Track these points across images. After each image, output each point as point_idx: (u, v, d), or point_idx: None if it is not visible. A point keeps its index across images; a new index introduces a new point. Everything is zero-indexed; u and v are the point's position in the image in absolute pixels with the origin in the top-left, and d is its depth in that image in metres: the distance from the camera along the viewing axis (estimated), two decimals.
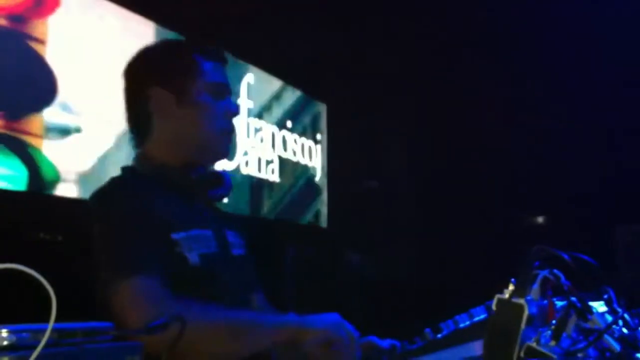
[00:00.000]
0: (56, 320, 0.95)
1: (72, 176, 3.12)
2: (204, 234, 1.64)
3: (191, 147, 1.69)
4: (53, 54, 3.04)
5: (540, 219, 5.46)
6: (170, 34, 3.67)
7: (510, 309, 1.05)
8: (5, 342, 0.79)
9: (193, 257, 1.57)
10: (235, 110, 1.75)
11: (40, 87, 3.00)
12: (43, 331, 0.81)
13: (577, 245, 1.18)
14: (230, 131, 1.74)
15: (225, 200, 1.94)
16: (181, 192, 1.66)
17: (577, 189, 4.84)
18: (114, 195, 1.63)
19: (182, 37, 3.55)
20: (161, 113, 1.68)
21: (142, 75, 1.71)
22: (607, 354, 1.06)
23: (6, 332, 0.80)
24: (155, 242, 1.54)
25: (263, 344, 1.51)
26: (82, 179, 3.17)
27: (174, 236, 1.57)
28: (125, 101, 1.72)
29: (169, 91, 1.66)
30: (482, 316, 1.42)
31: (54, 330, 0.87)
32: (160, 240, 1.54)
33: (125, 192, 1.63)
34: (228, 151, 1.77)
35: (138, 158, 1.72)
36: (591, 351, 1.05)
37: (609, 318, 1.09)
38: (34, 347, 0.79)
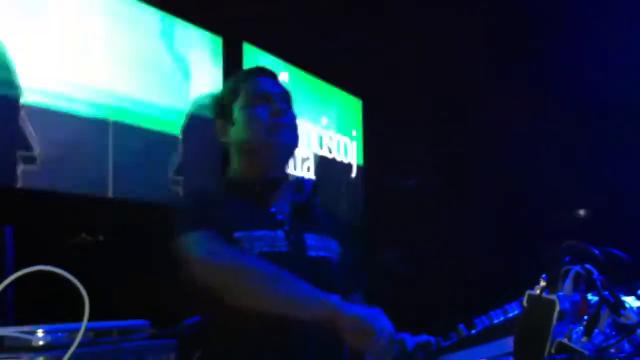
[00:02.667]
0: (97, 320, 0.98)
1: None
2: (272, 234, 1.77)
3: (250, 152, 1.88)
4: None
5: (578, 213, 5.39)
6: (209, 35, 3.70)
7: (541, 305, 1.04)
8: (41, 342, 0.82)
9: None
10: (279, 109, 1.88)
11: None
12: (78, 331, 0.83)
13: (615, 240, 1.17)
14: (278, 125, 1.86)
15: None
16: (255, 198, 1.83)
17: (614, 183, 4.76)
18: (196, 190, 1.93)
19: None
20: (225, 137, 1.91)
21: (210, 114, 2.00)
22: None
23: (42, 332, 0.82)
24: (221, 219, 1.72)
25: (298, 309, 1.59)
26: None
27: (236, 235, 1.71)
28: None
29: (222, 119, 1.92)
30: (516, 312, 1.41)
31: (89, 329, 0.90)
32: (222, 228, 1.70)
33: (205, 191, 1.89)
34: (286, 143, 1.90)
35: (227, 176, 1.94)
36: (626, 346, 1.04)
37: None
38: (70, 347, 0.81)
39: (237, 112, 1.90)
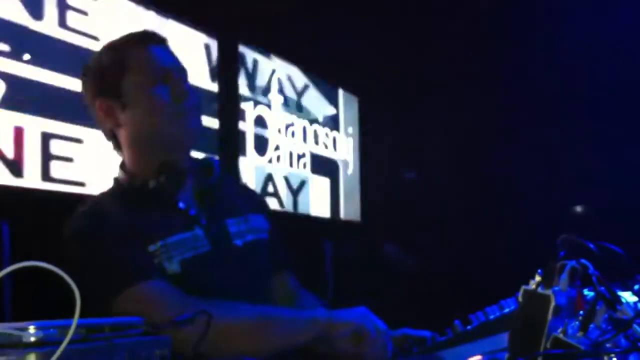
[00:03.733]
0: (92, 317, 0.97)
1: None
2: (190, 235, 1.57)
3: (152, 146, 1.61)
4: None
5: (578, 209, 5.39)
6: (203, 34, 3.69)
7: (536, 300, 1.04)
8: (32, 339, 0.81)
9: (173, 266, 1.52)
10: (182, 90, 1.61)
11: None
12: (70, 327, 0.82)
13: (611, 235, 1.16)
14: (184, 110, 1.61)
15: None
16: (158, 198, 1.58)
17: (610, 177, 4.76)
18: (90, 222, 1.56)
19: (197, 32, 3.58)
20: (114, 122, 1.62)
21: (86, 92, 1.66)
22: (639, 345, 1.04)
23: (33, 328, 0.82)
24: (140, 250, 1.50)
25: (293, 340, 1.52)
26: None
27: (152, 248, 1.51)
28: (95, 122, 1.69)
29: (108, 98, 1.60)
30: (512, 308, 1.41)
31: (81, 325, 0.89)
32: (142, 250, 1.50)
33: (98, 216, 1.56)
34: (193, 129, 1.65)
35: (119, 170, 1.68)
36: (622, 341, 1.03)
37: None
38: (61, 343, 0.80)
39: (131, 92, 1.58)
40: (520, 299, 1.07)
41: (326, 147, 4.93)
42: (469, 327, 1.45)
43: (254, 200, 1.84)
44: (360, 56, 4.78)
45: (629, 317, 1.02)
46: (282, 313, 1.57)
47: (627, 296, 1.09)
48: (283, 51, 4.33)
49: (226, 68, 3.81)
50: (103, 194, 1.66)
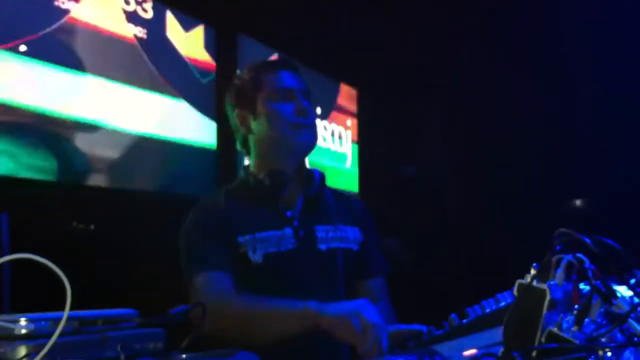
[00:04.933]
0: (88, 309, 0.96)
1: (102, 166, 3.16)
2: (279, 233, 1.81)
3: (271, 148, 1.90)
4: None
5: (575, 203, 5.39)
6: (196, 25, 3.68)
7: (532, 294, 1.03)
8: (23, 331, 0.81)
9: (256, 257, 1.76)
10: (303, 107, 1.90)
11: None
12: (61, 320, 0.82)
13: (607, 229, 1.16)
14: (302, 124, 1.89)
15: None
16: (262, 196, 1.84)
17: (616, 172, 4.76)
18: (198, 206, 1.89)
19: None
20: (246, 129, 1.93)
21: (228, 103, 2.00)
22: (635, 339, 1.04)
23: (24, 320, 0.81)
24: (224, 243, 1.76)
25: (282, 330, 1.61)
26: (113, 168, 3.20)
27: (240, 239, 1.77)
28: (233, 130, 2.00)
29: (244, 109, 1.92)
30: (508, 301, 1.41)
31: (74, 318, 0.88)
32: (224, 241, 1.76)
33: (203, 206, 1.88)
34: (306, 141, 1.93)
35: (243, 170, 1.97)
36: (618, 336, 1.03)
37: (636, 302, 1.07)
38: (53, 336, 0.80)
39: (262, 105, 1.90)
40: (515, 292, 1.06)
41: (324, 139, 4.93)
42: (465, 320, 1.44)
43: (351, 214, 2.01)
44: (359, 48, 4.77)
45: (624, 312, 1.01)
46: (270, 305, 1.65)
47: (623, 290, 1.09)
48: (281, 43, 4.32)
49: (224, 59, 3.80)
50: (227, 189, 1.95)
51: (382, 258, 2.06)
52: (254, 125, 1.91)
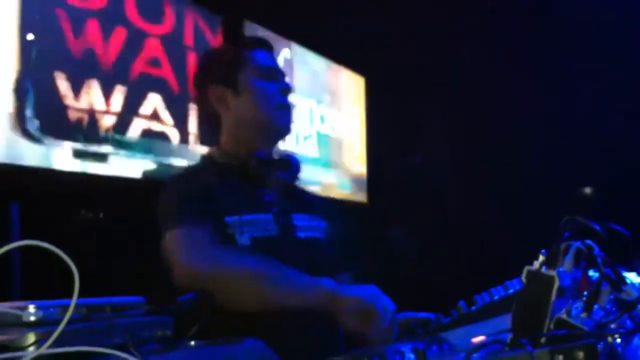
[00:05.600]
0: (97, 296, 0.96)
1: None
2: (262, 218, 1.73)
3: (253, 129, 1.81)
4: None
5: (584, 190, 5.37)
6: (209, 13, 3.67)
7: (540, 281, 1.02)
8: (32, 318, 0.81)
9: (243, 239, 1.68)
10: (287, 87, 1.85)
11: None
12: (70, 307, 0.82)
13: (616, 216, 1.15)
14: (286, 105, 1.84)
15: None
16: (244, 178, 1.77)
17: (622, 159, 4.74)
18: (179, 179, 1.84)
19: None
20: (223, 107, 1.83)
21: (200, 78, 1.90)
22: None
23: (33, 307, 0.81)
24: (212, 215, 1.66)
25: (293, 299, 1.55)
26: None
27: (227, 219, 1.68)
28: (196, 107, 1.93)
29: (224, 85, 1.82)
30: (517, 288, 1.40)
31: (82, 305, 0.88)
32: (216, 216, 1.66)
33: (188, 177, 1.82)
34: (288, 125, 1.87)
35: (212, 150, 1.87)
36: (627, 322, 1.02)
37: None
38: (61, 322, 0.80)
39: (246, 83, 1.82)
40: (524, 279, 1.05)
41: (333, 128, 4.92)
42: (473, 307, 1.44)
43: (318, 203, 1.97)
44: (367, 36, 4.75)
45: (633, 298, 1.01)
46: (291, 273, 1.58)
47: (632, 277, 1.09)
48: (289, 31, 4.31)
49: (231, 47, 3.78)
50: (195, 166, 1.89)
51: (352, 253, 1.99)
52: (233, 103, 1.82)
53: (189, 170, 1.90)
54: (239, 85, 1.82)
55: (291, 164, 1.86)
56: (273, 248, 1.69)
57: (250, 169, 1.77)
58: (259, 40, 1.94)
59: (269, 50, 1.91)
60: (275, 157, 1.87)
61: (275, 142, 1.89)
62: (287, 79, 1.90)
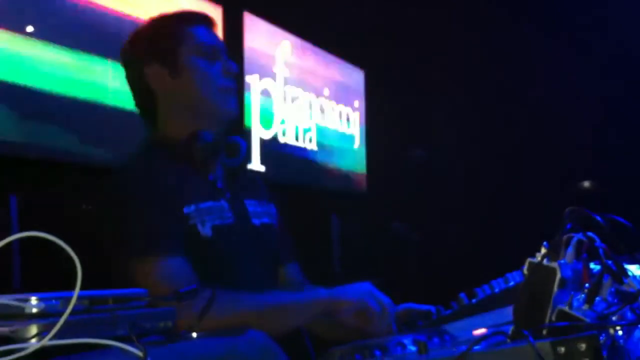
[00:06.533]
0: (98, 289, 0.96)
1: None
2: (218, 205, 1.64)
3: (194, 113, 1.68)
4: None
5: (586, 182, 5.37)
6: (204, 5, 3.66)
7: (542, 273, 1.03)
8: (34, 310, 0.81)
9: (205, 230, 1.58)
10: (232, 69, 1.72)
11: None
12: (72, 299, 0.82)
13: (618, 208, 1.15)
14: (231, 88, 1.72)
15: (262, 168, 1.91)
16: (191, 164, 1.65)
17: (619, 151, 4.74)
18: (128, 175, 1.68)
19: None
20: (160, 87, 1.68)
21: (134, 56, 1.73)
22: None
23: (35, 299, 0.81)
24: (173, 217, 1.56)
25: (296, 322, 1.56)
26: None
27: (186, 210, 1.58)
28: (129, 85, 1.73)
29: (161, 64, 1.67)
30: (518, 281, 1.40)
31: (84, 297, 0.88)
32: (175, 215, 1.56)
33: (139, 171, 1.65)
34: (233, 108, 1.74)
35: (152, 134, 1.73)
36: (628, 314, 1.03)
37: None
38: (63, 314, 0.80)
39: (185, 61, 1.67)
40: (525, 271, 1.06)
41: (332, 121, 4.91)
42: (474, 300, 1.45)
43: (264, 189, 1.88)
44: (367, 28, 4.74)
45: (635, 290, 1.01)
46: (285, 299, 1.58)
47: (634, 269, 1.09)
48: (289, 23, 4.30)
49: (231, 39, 3.77)
50: (139, 154, 1.72)
51: (291, 240, 1.89)
52: (172, 84, 1.67)
53: (137, 162, 1.70)
54: (178, 64, 1.67)
55: (238, 147, 1.74)
56: (232, 236, 1.63)
57: (196, 152, 1.63)
58: (200, 16, 1.78)
59: (211, 26, 1.76)
60: (220, 140, 1.72)
61: (220, 126, 1.73)
62: (229, 58, 1.74)
